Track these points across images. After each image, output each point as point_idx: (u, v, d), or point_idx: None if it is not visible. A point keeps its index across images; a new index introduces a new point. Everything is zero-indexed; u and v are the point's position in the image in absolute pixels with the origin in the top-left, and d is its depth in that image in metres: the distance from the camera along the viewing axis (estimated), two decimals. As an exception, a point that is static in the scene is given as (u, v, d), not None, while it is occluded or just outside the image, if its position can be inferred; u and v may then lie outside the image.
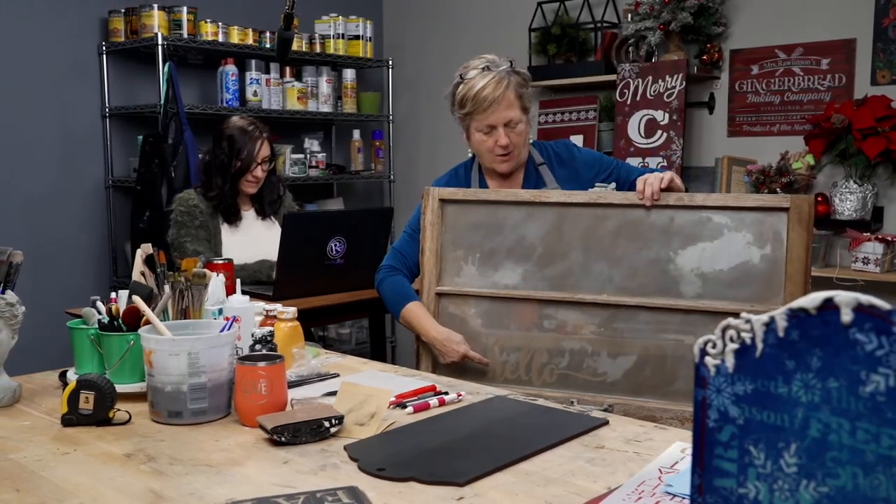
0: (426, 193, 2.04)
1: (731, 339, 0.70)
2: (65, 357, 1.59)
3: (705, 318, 1.81)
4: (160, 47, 3.49)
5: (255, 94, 3.92)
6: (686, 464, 1.13)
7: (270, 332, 1.51)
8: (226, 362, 1.36)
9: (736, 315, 0.70)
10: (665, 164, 3.47)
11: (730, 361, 0.70)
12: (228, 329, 1.42)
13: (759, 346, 0.68)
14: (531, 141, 2.19)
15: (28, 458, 1.19)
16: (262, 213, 2.93)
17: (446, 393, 1.49)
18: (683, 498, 1.01)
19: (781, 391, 0.67)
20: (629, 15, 3.64)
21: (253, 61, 3.93)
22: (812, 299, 0.64)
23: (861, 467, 0.62)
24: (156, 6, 3.59)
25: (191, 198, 2.80)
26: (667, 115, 3.48)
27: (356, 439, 1.25)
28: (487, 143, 2.08)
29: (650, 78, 3.52)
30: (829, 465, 0.64)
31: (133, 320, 1.46)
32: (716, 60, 3.50)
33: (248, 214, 2.91)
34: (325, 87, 4.21)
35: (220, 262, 2.29)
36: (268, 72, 3.99)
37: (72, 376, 1.48)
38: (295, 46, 3.92)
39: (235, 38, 3.85)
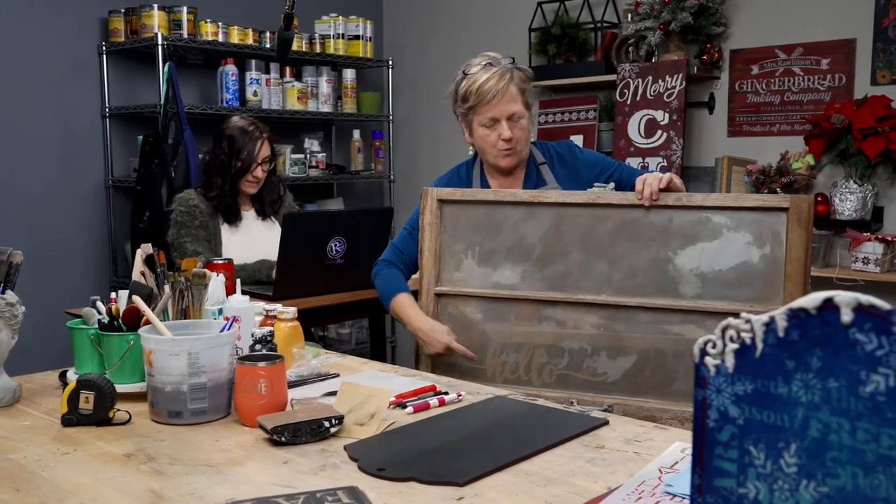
0: (425, 194, 2.03)
1: (731, 339, 0.70)
2: (65, 357, 1.59)
3: (705, 319, 1.81)
4: (160, 47, 3.49)
5: (255, 94, 3.92)
6: (686, 464, 1.13)
7: (270, 332, 1.52)
8: (226, 362, 1.36)
9: (736, 315, 0.70)
10: (665, 164, 3.47)
11: (730, 361, 0.70)
12: (228, 329, 1.42)
13: (759, 346, 0.68)
14: (532, 140, 2.19)
15: (28, 458, 1.19)
16: (263, 214, 2.93)
17: (446, 393, 1.49)
18: (683, 498, 1.01)
19: (781, 391, 0.67)
20: (629, 15, 3.64)
21: (253, 61, 3.93)
22: (812, 299, 0.64)
23: (861, 467, 0.62)
24: (156, 6, 3.59)
25: (191, 198, 2.80)
26: (667, 115, 3.48)
27: (356, 439, 1.25)
28: (491, 137, 2.08)
29: (650, 78, 3.52)
30: (829, 465, 0.64)
31: (133, 320, 1.46)
32: (716, 60, 3.50)
33: (249, 214, 2.91)
34: (325, 87, 4.21)
35: (220, 262, 2.29)
36: (268, 72, 3.99)
37: (72, 376, 1.48)
38: (295, 46, 3.92)
39: (235, 38, 3.84)
